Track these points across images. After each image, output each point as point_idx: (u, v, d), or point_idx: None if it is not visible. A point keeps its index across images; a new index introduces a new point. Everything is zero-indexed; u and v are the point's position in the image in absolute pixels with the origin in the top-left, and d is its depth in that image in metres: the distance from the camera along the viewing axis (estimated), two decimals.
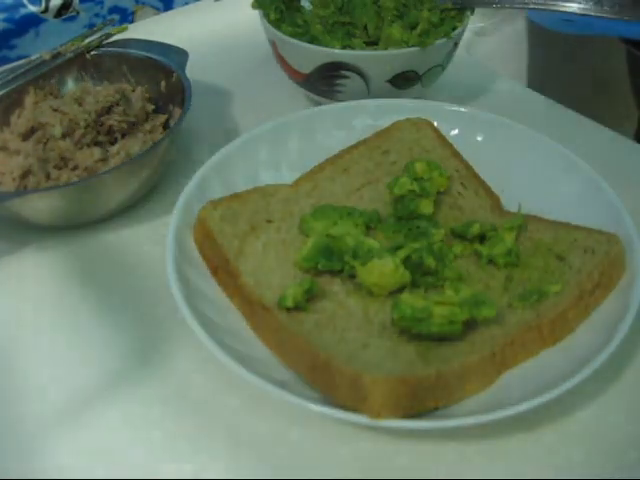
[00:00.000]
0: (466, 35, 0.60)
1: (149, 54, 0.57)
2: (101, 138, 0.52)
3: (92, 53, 0.57)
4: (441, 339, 0.39)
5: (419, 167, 0.48)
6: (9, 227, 0.51)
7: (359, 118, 0.54)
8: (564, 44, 0.80)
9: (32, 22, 0.65)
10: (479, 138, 0.53)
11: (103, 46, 0.58)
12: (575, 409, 0.39)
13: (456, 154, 0.51)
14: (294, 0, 0.60)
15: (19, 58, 0.66)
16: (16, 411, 0.40)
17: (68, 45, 0.57)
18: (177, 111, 0.55)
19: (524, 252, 0.44)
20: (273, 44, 0.58)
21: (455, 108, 0.54)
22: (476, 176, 0.50)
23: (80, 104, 0.52)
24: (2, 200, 0.46)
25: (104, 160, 0.51)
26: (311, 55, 0.55)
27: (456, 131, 0.53)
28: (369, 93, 0.56)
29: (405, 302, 0.39)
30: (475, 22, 0.72)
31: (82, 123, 0.51)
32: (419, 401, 0.37)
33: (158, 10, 0.72)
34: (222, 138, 0.54)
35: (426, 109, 0.54)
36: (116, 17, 0.70)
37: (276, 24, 0.57)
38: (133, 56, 0.57)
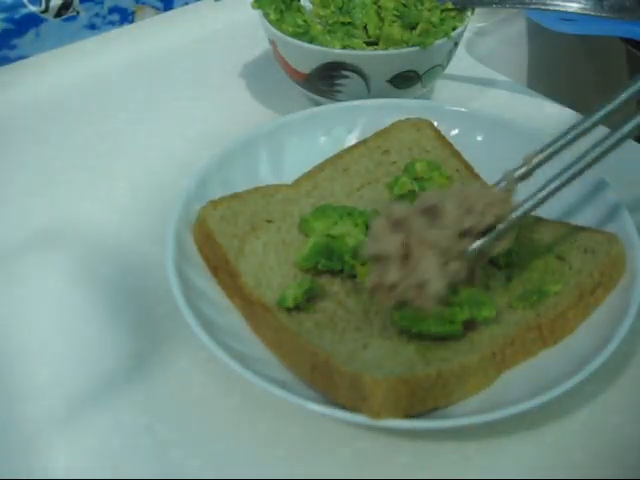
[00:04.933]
0: (466, 35, 0.60)
1: None
2: None
3: None
4: (441, 339, 0.39)
5: (419, 167, 0.48)
6: (10, 228, 0.51)
7: (359, 118, 0.54)
8: (564, 44, 0.80)
9: (32, 22, 0.65)
10: (479, 138, 0.53)
11: None
12: (575, 409, 0.39)
13: (456, 154, 0.51)
14: (294, 0, 0.60)
15: (19, 58, 0.66)
16: (15, 411, 0.40)
17: None
18: None
19: (524, 252, 0.44)
20: (273, 44, 0.58)
21: (455, 108, 0.54)
22: (476, 176, 0.50)
23: None
24: None
25: None
26: (311, 55, 0.55)
27: (456, 131, 0.53)
28: (369, 93, 0.56)
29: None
30: (475, 22, 0.72)
31: None
32: (419, 401, 0.37)
33: (158, 10, 0.72)
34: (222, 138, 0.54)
35: (426, 109, 0.54)
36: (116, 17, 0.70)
37: (276, 24, 0.57)
38: None
